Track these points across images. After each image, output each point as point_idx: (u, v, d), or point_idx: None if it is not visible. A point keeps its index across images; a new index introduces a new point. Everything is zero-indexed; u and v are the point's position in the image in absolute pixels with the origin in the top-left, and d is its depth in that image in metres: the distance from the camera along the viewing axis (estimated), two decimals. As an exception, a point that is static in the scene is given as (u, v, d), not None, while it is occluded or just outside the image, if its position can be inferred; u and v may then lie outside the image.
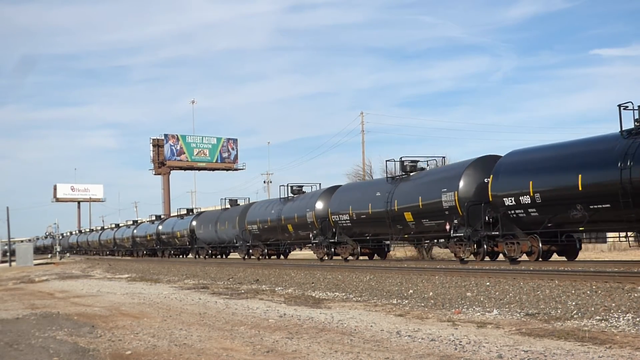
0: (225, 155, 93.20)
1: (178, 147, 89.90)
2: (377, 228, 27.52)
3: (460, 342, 8.31)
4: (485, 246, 21.68)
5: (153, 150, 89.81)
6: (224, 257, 45.96)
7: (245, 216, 38.92)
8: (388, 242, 29.62)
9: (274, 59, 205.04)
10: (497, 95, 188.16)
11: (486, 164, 22.21)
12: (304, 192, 35.12)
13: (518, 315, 10.56)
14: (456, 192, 22.06)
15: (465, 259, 22.34)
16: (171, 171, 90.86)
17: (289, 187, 35.40)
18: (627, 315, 9.56)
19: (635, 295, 10.87)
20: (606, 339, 8.01)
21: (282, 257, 38.83)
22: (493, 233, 21.22)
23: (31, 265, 51.03)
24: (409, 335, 8.97)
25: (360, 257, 29.70)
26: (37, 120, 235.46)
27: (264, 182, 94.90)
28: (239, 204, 43.79)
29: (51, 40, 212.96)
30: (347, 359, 7.57)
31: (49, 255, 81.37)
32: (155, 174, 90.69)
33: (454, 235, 22.13)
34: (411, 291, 14.55)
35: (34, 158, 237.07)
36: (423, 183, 24.82)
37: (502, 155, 22.29)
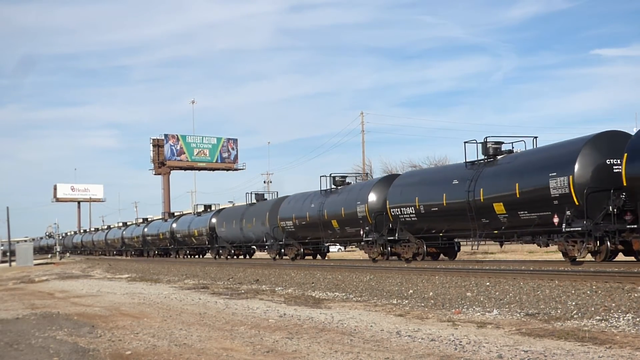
0: (225, 155, 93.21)
1: (178, 147, 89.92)
2: (453, 223, 22.95)
3: (460, 342, 8.31)
4: (609, 243, 17.81)
5: (153, 150, 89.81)
6: (247, 257, 42.42)
7: (277, 212, 34.56)
8: (457, 239, 25.12)
9: (274, 59, 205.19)
10: (498, 95, 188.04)
11: (609, 142, 18.36)
12: (348, 184, 30.85)
13: (518, 315, 10.56)
14: (571, 177, 17.93)
15: (579, 259, 18.61)
16: (171, 171, 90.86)
17: (332, 178, 30.77)
18: (627, 315, 9.56)
19: (635, 295, 10.87)
20: (606, 339, 8.01)
21: (319, 257, 34.44)
22: (629, 226, 17.29)
23: (31, 265, 51.04)
24: (409, 335, 8.97)
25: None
26: (37, 120, 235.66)
27: (264, 182, 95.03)
28: (265, 199, 39.90)
29: (51, 40, 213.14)
30: (347, 359, 7.57)
31: (49, 256, 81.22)
32: (155, 174, 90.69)
33: (568, 230, 18.03)
34: (411, 291, 14.56)
35: (34, 158, 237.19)
36: (519, 167, 20.35)
37: (623, 130, 18.72)
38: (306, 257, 33.69)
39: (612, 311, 9.97)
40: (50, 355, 8.54)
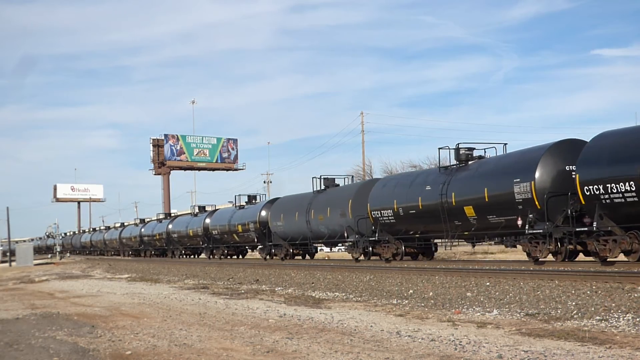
0: (225, 155, 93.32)
1: (178, 147, 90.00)
2: None
3: (460, 342, 8.31)
4: None
5: (153, 151, 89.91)
6: (307, 257, 34.67)
7: (365, 198, 27.12)
8: None
9: (275, 59, 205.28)
10: (498, 95, 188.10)
11: None
12: (480, 157, 22.95)
13: (518, 315, 10.56)
14: None
15: None
16: (171, 171, 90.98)
17: (455, 150, 23.20)
18: (627, 315, 9.56)
19: (635, 295, 10.87)
20: (606, 339, 8.01)
21: (420, 256, 26.48)
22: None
23: (31, 265, 51.08)
24: (409, 335, 8.97)
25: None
26: (38, 120, 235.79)
27: (264, 182, 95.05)
28: (337, 185, 31.95)
29: (52, 40, 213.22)
30: (347, 359, 7.57)
31: (49, 256, 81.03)
32: (155, 174, 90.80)
33: None
34: (411, 291, 14.55)
35: (34, 158, 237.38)
36: None
37: None
38: (404, 257, 25.95)
39: (612, 311, 9.96)
40: (50, 355, 8.54)
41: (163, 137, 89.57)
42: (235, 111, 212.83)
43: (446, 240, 23.71)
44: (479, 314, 11.01)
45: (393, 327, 9.87)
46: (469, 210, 21.40)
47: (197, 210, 49.06)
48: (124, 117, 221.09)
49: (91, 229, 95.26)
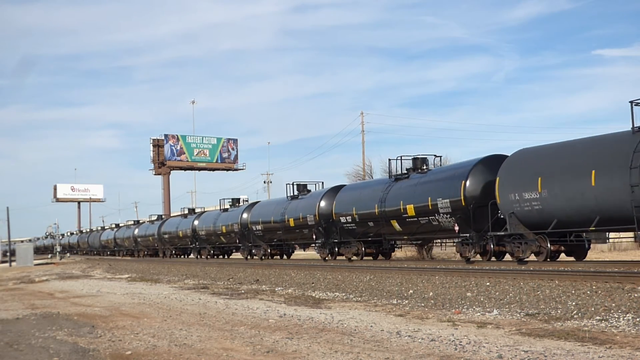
0: (225, 155, 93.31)
1: (178, 147, 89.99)
2: None
3: (460, 342, 8.31)
4: None
5: (153, 151, 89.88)
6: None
7: None
8: None
9: (277, 60, 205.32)
10: (499, 95, 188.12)
11: None
12: None
13: (518, 315, 10.56)
14: None
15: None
16: (171, 171, 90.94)
17: None
18: (627, 315, 9.56)
19: (635, 295, 10.87)
20: (606, 339, 8.01)
21: None
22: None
23: (31, 265, 51.09)
24: (409, 336, 8.97)
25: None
26: (38, 120, 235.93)
27: (264, 182, 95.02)
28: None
29: (53, 40, 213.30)
30: (347, 359, 7.57)
31: (49, 256, 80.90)
32: (155, 174, 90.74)
33: None
34: (411, 291, 14.55)
35: (34, 158, 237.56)
36: None
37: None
38: None
39: (612, 311, 9.96)
40: (50, 355, 8.54)
41: (163, 137, 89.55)
42: (236, 111, 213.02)
43: None
44: (479, 314, 11.01)
45: (393, 327, 9.87)
46: None
47: (294, 192, 33.37)
48: (125, 117, 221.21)
49: (113, 226, 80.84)
